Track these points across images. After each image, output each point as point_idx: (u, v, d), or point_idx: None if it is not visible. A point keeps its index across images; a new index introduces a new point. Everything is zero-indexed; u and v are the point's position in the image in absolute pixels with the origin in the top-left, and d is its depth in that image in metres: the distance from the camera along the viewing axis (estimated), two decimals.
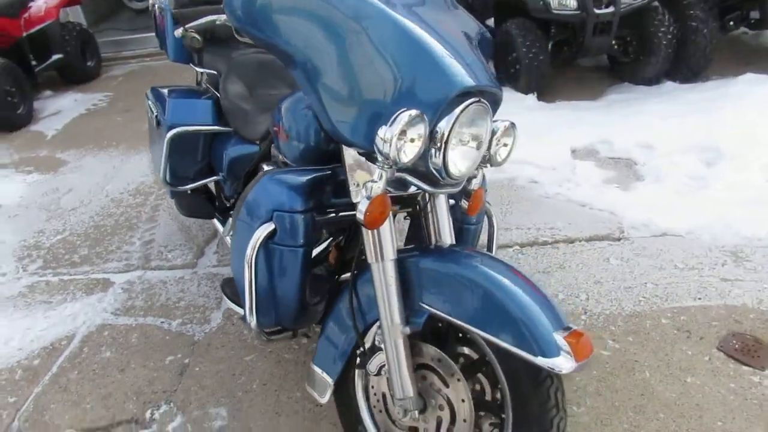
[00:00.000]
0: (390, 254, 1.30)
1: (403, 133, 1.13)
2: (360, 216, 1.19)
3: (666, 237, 2.64)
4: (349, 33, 1.20)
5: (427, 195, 1.46)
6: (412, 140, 1.16)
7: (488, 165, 1.40)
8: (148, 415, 1.95)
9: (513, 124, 1.39)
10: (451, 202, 1.54)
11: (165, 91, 2.40)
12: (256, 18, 1.27)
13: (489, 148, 1.35)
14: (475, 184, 1.47)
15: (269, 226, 1.43)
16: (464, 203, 1.49)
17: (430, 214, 1.46)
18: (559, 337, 1.14)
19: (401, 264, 1.33)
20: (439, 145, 1.18)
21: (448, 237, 1.46)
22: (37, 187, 3.86)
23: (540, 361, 1.13)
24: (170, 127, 2.22)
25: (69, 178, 3.98)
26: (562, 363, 1.12)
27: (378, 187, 1.20)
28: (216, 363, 2.15)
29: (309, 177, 1.46)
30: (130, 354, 2.24)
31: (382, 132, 1.12)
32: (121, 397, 2.03)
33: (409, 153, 1.16)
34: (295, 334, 1.70)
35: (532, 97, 4.22)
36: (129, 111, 5.17)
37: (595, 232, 2.72)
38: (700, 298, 2.24)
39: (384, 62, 1.19)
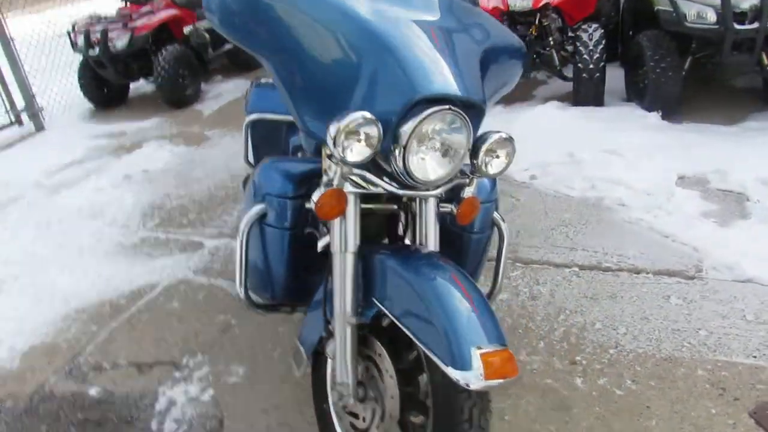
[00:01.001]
0: (351, 247, 1.38)
1: (353, 132, 1.21)
2: (311, 205, 1.30)
3: (748, 284, 2.33)
4: (313, 36, 1.31)
5: (417, 199, 1.50)
6: (359, 140, 1.23)
7: (477, 175, 1.42)
8: (184, 360, 2.24)
9: (510, 138, 1.39)
10: (448, 208, 1.56)
11: (260, 81, 2.70)
12: (228, 20, 1.43)
13: (477, 158, 1.37)
14: (467, 192, 1.48)
15: (261, 207, 1.59)
16: (453, 209, 1.51)
17: (417, 218, 1.51)
18: (476, 353, 1.15)
19: (370, 258, 1.40)
20: (400, 147, 1.24)
21: (432, 242, 1.47)
22: (179, 158, 4.48)
23: (449, 371, 1.15)
24: (249, 114, 2.50)
25: (206, 152, 4.55)
26: (470, 377, 1.13)
27: (330, 181, 1.30)
28: (254, 328, 2.38)
29: (303, 167, 1.59)
30: (192, 308, 2.57)
31: (331, 129, 1.21)
32: (171, 342, 2.35)
33: (356, 152, 1.24)
34: (294, 310, 1.84)
35: (654, 116, 3.88)
36: None
37: (667, 266, 2.49)
38: (755, 357, 1.97)
39: (346, 64, 1.28)
